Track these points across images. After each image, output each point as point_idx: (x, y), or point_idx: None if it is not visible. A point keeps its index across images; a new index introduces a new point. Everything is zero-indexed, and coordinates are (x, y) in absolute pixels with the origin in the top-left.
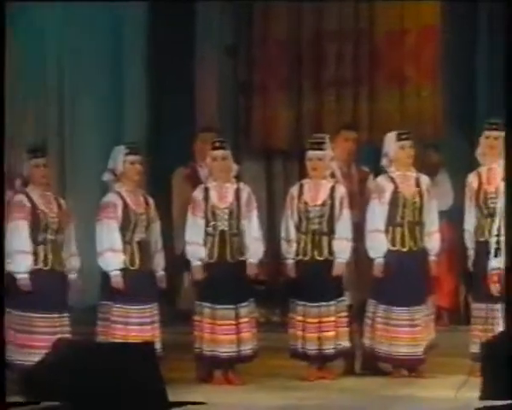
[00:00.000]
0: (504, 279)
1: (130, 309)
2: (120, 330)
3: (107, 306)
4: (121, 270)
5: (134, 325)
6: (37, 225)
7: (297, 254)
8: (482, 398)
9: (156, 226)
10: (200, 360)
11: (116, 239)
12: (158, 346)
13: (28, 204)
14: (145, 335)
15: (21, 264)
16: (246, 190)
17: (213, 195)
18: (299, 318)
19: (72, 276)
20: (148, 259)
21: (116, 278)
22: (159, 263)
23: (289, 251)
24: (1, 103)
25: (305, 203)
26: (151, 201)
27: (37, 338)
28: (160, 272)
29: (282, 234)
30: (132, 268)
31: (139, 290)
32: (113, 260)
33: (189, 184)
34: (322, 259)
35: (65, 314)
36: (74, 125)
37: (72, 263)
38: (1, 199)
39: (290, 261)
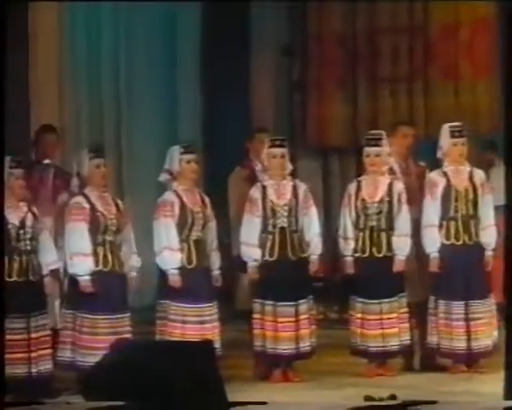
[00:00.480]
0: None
1: (188, 308)
2: (178, 329)
3: (165, 304)
4: (179, 268)
5: (192, 323)
6: (96, 227)
7: (355, 251)
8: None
9: (212, 225)
10: (261, 358)
11: (173, 237)
12: (217, 345)
13: (87, 205)
14: (204, 333)
15: (82, 266)
16: (302, 187)
17: (271, 192)
18: (359, 315)
19: (132, 275)
20: (204, 257)
21: (174, 277)
22: (214, 262)
23: (347, 248)
24: (1, 103)
25: (363, 200)
26: (207, 199)
27: (100, 339)
28: (216, 271)
29: (340, 231)
30: (189, 267)
31: (196, 289)
32: (170, 258)
33: (246, 183)
34: (381, 255)
35: (126, 314)
36: (130, 126)
37: (133, 263)
38: (1, 196)
39: (349, 258)
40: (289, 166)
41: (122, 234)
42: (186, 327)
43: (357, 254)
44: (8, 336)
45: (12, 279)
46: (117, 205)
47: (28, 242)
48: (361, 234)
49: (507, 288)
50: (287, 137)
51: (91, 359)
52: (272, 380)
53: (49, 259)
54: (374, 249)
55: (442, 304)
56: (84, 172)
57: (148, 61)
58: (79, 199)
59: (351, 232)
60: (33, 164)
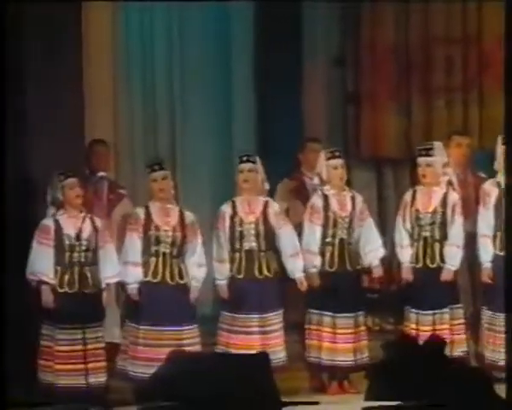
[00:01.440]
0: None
1: (250, 318)
2: (241, 340)
3: (225, 315)
4: (228, 279)
5: (255, 334)
6: (149, 238)
7: (410, 261)
8: None
9: (283, 232)
10: (317, 370)
11: (223, 249)
12: (282, 354)
13: (142, 216)
14: (268, 343)
15: (130, 275)
16: (359, 199)
17: (334, 202)
18: (413, 325)
19: (194, 286)
20: (258, 266)
21: (222, 288)
22: (298, 266)
23: (404, 255)
24: (2, 103)
25: (417, 210)
26: (275, 207)
27: (154, 351)
28: (300, 276)
29: (396, 239)
30: (239, 277)
31: (247, 299)
32: (218, 270)
33: (292, 195)
34: (434, 266)
35: (188, 326)
36: (184, 137)
37: (196, 274)
38: (1, 201)
39: (406, 265)
40: (346, 177)
41: (186, 246)
42: (248, 338)
43: (411, 264)
44: (59, 347)
45: (62, 290)
46: (182, 217)
47: (83, 253)
48: (415, 244)
49: (507, 292)
50: (340, 148)
51: (149, 370)
52: (329, 392)
53: (108, 272)
54: (427, 260)
55: (487, 315)
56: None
57: (201, 72)
58: (138, 210)
59: (406, 240)
60: (87, 177)
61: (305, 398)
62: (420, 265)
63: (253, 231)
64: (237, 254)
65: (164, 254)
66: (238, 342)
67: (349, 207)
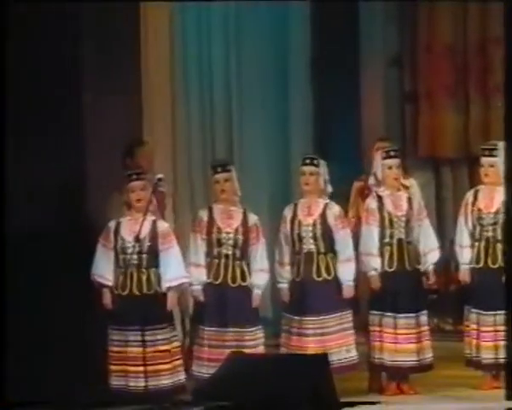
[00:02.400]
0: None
1: (311, 321)
2: (298, 342)
3: (288, 318)
4: (289, 283)
5: (316, 335)
6: (211, 240)
7: (470, 262)
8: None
9: (340, 235)
10: (379, 371)
11: (284, 252)
12: (353, 353)
13: (205, 219)
14: (325, 345)
15: (194, 276)
16: (416, 199)
17: (388, 203)
18: (474, 326)
19: (256, 293)
20: (316, 269)
21: (283, 292)
22: (344, 274)
23: (464, 257)
24: (2, 103)
25: (479, 210)
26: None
27: (217, 352)
28: (348, 283)
29: (456, 240)
30: (297, 279)
31: (304, 302)
32: (280, 273)
33: (358, 197)
34: (495, 266)
35: (251, 328)
36: (242, 138)
37: (259, 280)
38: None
39: (465, 267)
40: (404, 178)
41: (249, 248)
42: (309, 340)
43: (472, 265)
44: (113, 348)
45: (117, 292)
46: (245, 219)
47: (137, 255)
48: (476, 244)
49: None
50: (397, 146)
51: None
52: (387, 393)
53: (168, 275)
54: (489, 260)
55: None
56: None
57: (258, 72)
58: (201, 212)
59: (467, 241)
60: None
61: (363, 398)
62: (481, 265)
63: (310, 234)
64: (297, 257)
65: (226, 256)
66: (296, 344)
67: (405, 206)
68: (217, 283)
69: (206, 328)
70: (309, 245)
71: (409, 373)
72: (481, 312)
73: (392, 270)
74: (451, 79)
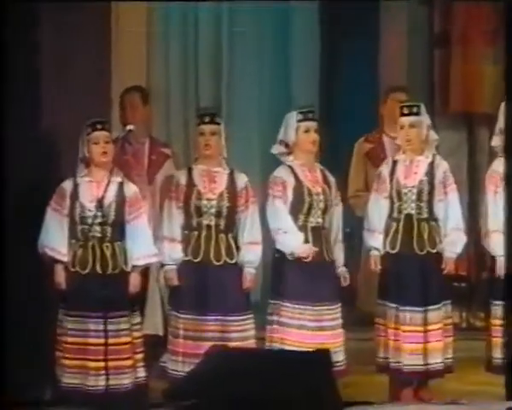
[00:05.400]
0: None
1: (306, 309)
2: (292, 335)
3: (276, 305)
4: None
5: (309, 329)
6: (190, 208)
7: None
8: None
9: (337, 211)
10: (384, 373)
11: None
12: (341, 356)
13: (183, 182)
14: (323, 341)
15: (168, 253)
16: (442, 166)
17: (400, 170)
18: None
19: (248, 271)
20: (325, 249)
21: (299, 253)
22: (339, 257)
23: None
24: (1, 99)
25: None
26: (332, 178)
27: (204, 346)
28: (342, 268)
29: (490, 222)
30: (306, 260)
31: (315, 286)
32: (289, 241)
33: (369, 159)
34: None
35: (237, 317)
36: (231, 85)
37: (250, 255)
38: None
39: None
40: (433, 138)
41: (237, 217)
42: (302, 333)
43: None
44: (68, 338)
45: (74, 269)
46: (232, 182)
47: (100, 226)
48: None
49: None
50: (424, 102)
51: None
52: (402, 400)
53: (136, 252)
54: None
55: None
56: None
57: (254, 8)
58: (179, 174)
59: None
60: (127, 137)
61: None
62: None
63: (322, 205)
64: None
65: (208, 227)
66: (287, 337)
67: (420, 175)
68: (196, 261)
69: (182, 315)
70: (317, 219)
71: (413, 378)
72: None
73: (394, 251)
74: (491, 19)
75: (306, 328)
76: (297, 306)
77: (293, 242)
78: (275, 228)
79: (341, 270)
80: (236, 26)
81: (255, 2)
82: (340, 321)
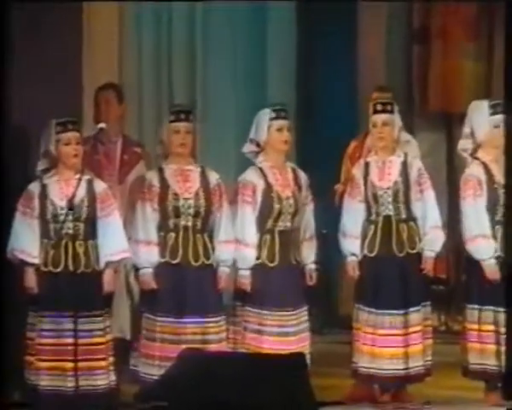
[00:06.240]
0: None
1: (267, 315)
2: (254, 340)
3: (241, 309)
4: (254, 268)
5: (270, 334)
6: (166, 210)
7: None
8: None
9: (308, 210)
10: (358, 379)
11: (251, 230)
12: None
13: (156, 183)
14: (287, 347)
15: (145, 256)
16: (415, 165)
17: (374, 172)
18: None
19: (223, 271)
20: (292, 253)
21: (244, 279)
22: (308, 255)
23: (487, 249)
24: (1, 98)
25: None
26: (303, 177)
27: (164, 348)
28: (310, 266)
29: (472, 227)
30: (271, 264)
31: (279, 292)
32: (244, 256)
33: (350, 159)
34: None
35: (214, 318)
36: (206, 82)
37: (224, 254)
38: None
39: (488, 262)
40: (404, 138)
41: (211, 216)
42: (263, 339)
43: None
44: (41, 340)
45: (46, 269)
46: (204, 180)
47: (73, 224)
48: (498, 228)
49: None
50: (402, 100)
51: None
52: (380, 405)
53: (109, 248)
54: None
55: None
56: (164, 138)
57: (230, 5)
58: (150, 175)
59: (488, 228)
60: (98, 136)
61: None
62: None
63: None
64: (268, 236)
65: (185, 228)
66: (249, 342)
67: (394, 176)
68: (175, 262)
69: (160, 318)
70: (286, 223)
71: (391, 384)
72: (497, 309)
73: (372, 255)
74: (472, 14)
75: (268, 333)
76: (259, 311)
77: (247, 260)
78: (238, 237)
79: (309, 268)
80: (211, 25)
81: (231, 1)
82: (306, 325)
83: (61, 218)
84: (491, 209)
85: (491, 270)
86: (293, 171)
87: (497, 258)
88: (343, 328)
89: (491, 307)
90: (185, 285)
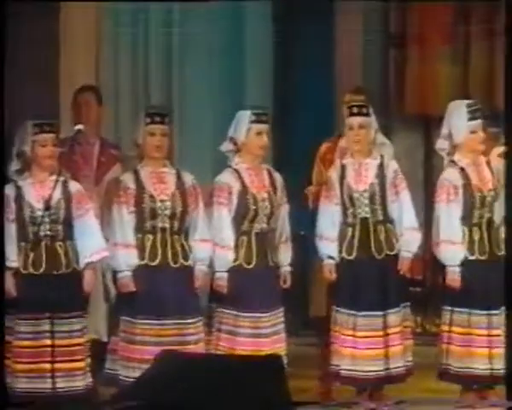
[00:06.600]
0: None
1: (243, 316)
2: (227, 341)
3: (216, 311)
4: (231, 270)
5: (245, 336)
6: (143, 212)
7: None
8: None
9: (283, 211)
10: (336, 382)
11: (227, 232)
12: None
13: (131, 185)
14: (261, 348)
15: (122, 259)
16: (391, 166)
17: (350, 175)
18: (446, 328)
19: (200, 270)
20: (269, 254)
21: (221, 281)
22: (284, 257)
23: (454, 255)
24: (1, 98)
25: (477, 189)
26: (279, 179)
27: (145, 350)
28: (285, 268)
29: (442, 231)
30: (248, 267)
31: (256, 293)
32: (221, 258)
33: (322, 161)
34: (495, 257)
35: (193, 319)
36: (183, 83)
37: (201, 253)
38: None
39: (452, 269)
40: (380, 141)
41: (187, 217)
42: (237, 340)
43: (472, 257)
44: (19, 342)
45: (26, 272)
46: (181, 182)
47: (50, 225)
48: (475, 229)
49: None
50: (379, 103)
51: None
52: (353, 405)
53: (88, 249)
54: (495, 249)
55: None
56: (139, 140)
57: (206, 7)
58: (126, 177)
59: (459, 235)
60: (76, 137)
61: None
62: (481, 256)
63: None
64: (245, 238)
65: (163, 229)
66: (222, 344)
67: (370, 178)
68: (153, 264)
69: (140, 321)
70: (262, 224)
71: (372, 385)
72: (473, 311)
73: (351, 258)
74: (448, 19)
75: (243, 335)
76: (234, 312)
77: (224, 262)
78: (214, 239)
79: (284, 270)
80: (188, 26)
81: (208, 2)
82: (281, 326)
83: (39, 220)
84: (468, 213)
85: (453, 277)
86: (269, 172)
87: (463, 264)
88: (318, 330)
89: (464, 309)
90: (164, 287)
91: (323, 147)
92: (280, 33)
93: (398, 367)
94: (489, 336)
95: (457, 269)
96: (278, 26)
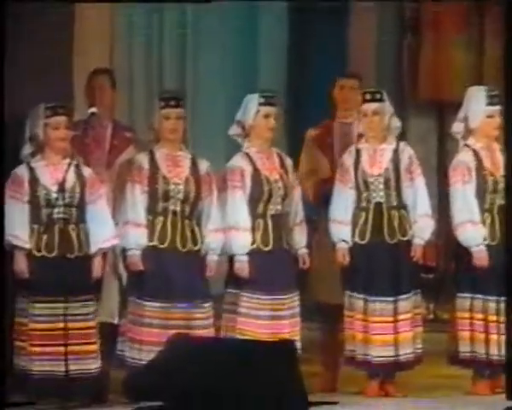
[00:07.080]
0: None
1: (263, 299)
2: (250, 325)
3: (235, 295)
4: (249, 253)
5: (265, 318)
6: (156, 193)
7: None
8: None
9: (296, 194)
10: (351, 366)
11: (244, 214)
12: (298, 345)
13: (146, 166)
14: (281, 331)
15: (132, 238)
16: (407, 152)
17: (365, 159)
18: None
19: (212, 260)
20: (284, 236)
21: (242, 264)
22: (300, 239)
23: (475, 235)
24: (1, 98)
25: (489, 173)
26: (289, 162)
27: (154, 333)
28: (302, 250)
29: (461, 212)
30: (266, 249)
31: (273, 276)
32: (240, 241)
33: (316, 144)
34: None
35: (201, 304)
36: (196, 68)
37: (213, 242)
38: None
39: (478, 248)
40: (395, 126)
41: (200, 203)
42: (259, 323)
43: (486, 242)
44: (35, 325)
45: (39, 254)
46: (194, 167)
47: (64, 208)
48: (486, 215)
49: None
50: (393, 89)
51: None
52: (368, 393)
53: (100, 235)
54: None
55: None
56: (154, 124)
57: None
58: (140, 157)
59: (477, 214)
60: (89, 120)
61: (340, 399)
62: (495, 242)
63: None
64: (261, 221)
65: (174, 212)
66: (243, 328)
67: (385, 163)
68: (163, 246)
69: (148, 303)
70: (277, 206)
71: (383, 371)
72: (483, 297)
73: (364, 242)
74: (463, 5)
75: (263, 318)
76: (254, 296)
77: (243, 245)
78: (231, 221)
79: (301, 251)
80: (202, 12)
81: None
82: (297, 309)
83: (53, 202)
84: (481, 197)
85: (480, 256)
86: (279, 156)
87: (486, 245)
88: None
89: (482, 296)
90: (172, 270)
91: (314, 132)
92: (294, 20)
93: (408, 354)
94: (498, 322)
95: (482, 248)
96: (293, 11)
